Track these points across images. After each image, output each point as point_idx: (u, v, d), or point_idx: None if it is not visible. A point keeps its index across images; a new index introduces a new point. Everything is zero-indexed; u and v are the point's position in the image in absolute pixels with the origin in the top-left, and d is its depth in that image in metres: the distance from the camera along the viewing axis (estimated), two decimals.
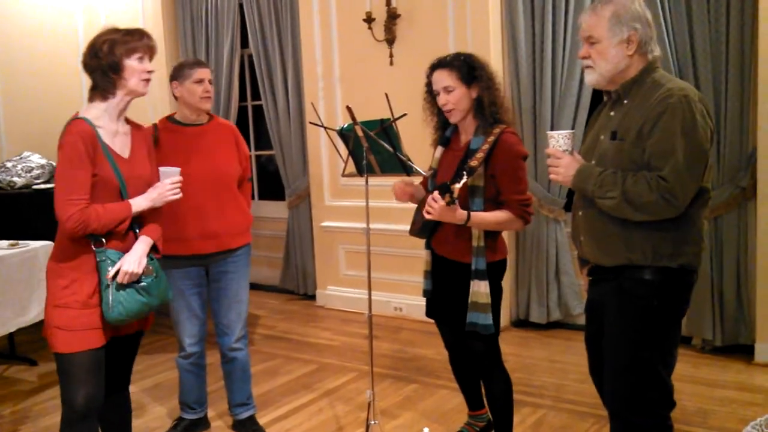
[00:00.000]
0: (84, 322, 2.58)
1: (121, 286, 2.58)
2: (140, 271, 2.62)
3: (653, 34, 2.44)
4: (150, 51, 2.68)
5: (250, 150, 7.03)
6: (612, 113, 2.48)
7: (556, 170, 2.48)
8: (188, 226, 3.39)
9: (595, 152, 2.50)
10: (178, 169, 2.77)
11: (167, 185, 2.71)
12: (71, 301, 2.58)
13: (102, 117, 2.62)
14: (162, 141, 3.42)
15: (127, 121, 2.75)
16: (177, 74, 3.43)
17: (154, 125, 3.52)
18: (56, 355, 2.62)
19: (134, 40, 2.63)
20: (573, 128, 4.84)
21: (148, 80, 2.67)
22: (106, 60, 2.57)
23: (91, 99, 2.65)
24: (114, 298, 2.57)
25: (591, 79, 2.49)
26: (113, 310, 2.56)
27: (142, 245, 2.67)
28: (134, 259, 2.61)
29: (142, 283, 2.64)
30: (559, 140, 2.48)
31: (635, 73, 2.42)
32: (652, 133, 2.30)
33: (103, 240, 2.58)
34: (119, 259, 2.60)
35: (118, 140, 2.66)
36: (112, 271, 2.57)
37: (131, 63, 2.61)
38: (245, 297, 3.60)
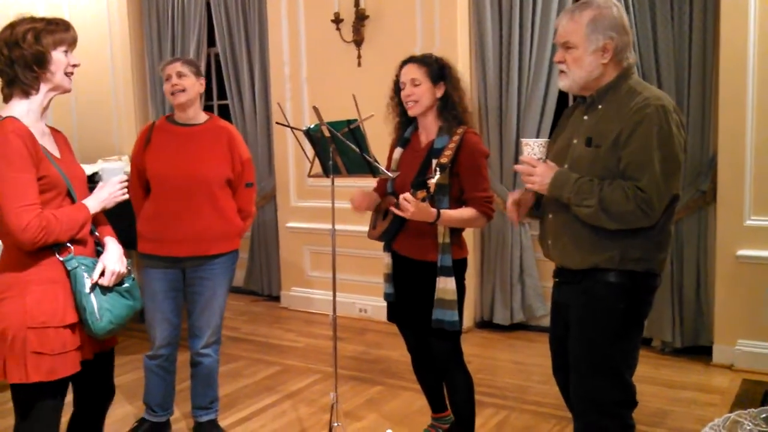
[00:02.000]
0: (65, 343, 2.29)
1: (105, 291, 2.36)
2: (125, 270, 2.44)
3: (629, 41, 2.43)
4: (74, 44, 2.42)
5: None
6: (585, 117, 2.49)
7: (531, 179, 2.46)
8: (163, 228, 3.34)
9: (568, 156, 2.49)
10: (121, 167, 2.60)
11: (116, 184, 2.50)
12: (48, 319, 2.26)
13: (27, 116, 2.32)
14: (154, 140, 3.39)
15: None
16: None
17: (153, 123, 3.49)
18: (28, 387, 2.28)
19: (60, 30, 2.37)
20: (539, 130, 4.89)
21: (72, 74, 2.42)
22: (31, 50, 2.29)
23: (8, 98, 2.35)
24: (100, 305, 2.33)
25: (564, 84, 2.49)
26: (102, 318, 2.32)
27: (116, 245, 2.49)
28: (117, 258, 2.42)
29: (125, 285, 2.45)
30: (534, 148, 2.47)
31: (610, 80, 2.42)
32: (629, 142, 2.31)
33: (71, 246, 2.33)
34: (94, 264, 2.37)
35: (47, 141, 2.40)
36: (96, 274, 2.34)
37: (58, 55, 2.35)
38: (218, 305, 3.50)
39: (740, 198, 4.26)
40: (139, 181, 3.45)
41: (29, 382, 2.26)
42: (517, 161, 4.94)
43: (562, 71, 2.48)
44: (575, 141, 2.48)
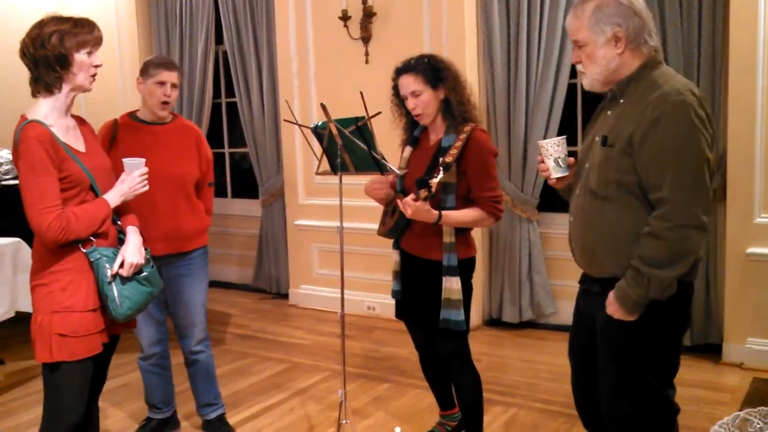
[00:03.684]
0: (88, 326, 2.46)
1: (124, 280, 2.51)
2: (143, 261, 2.57)
3: (643, 23, 2.23)
4: (99, 44, 2.53)
5: (223, 147, 7.02)
6: (609, 113, 2.33)
7: (618, 315, 2.25)
8: (142, 227, 3.31)
9: (590, 157, 2.34)
10: (143, 160, 2.67)
11: (137, 178, 2.62)
12: (73, 304, 2.44)
13: (51, 114, 2.47)
14: (120, 138, 3.35)
15: (71, 115, 2.62)
16: (143, 70, 3.37)
17: (114, 121, 3.43)
18: (53, 366, 2.46)
19: (85, 32, 2.48)
20: (547, 129, 4.87)
21: (95, 75, 2.54)
22: (54, 52, 2.41)
23: (34, 92, 2.50)
24: (120, 294, 2.49)
25: (585, 83, 2.34)
26: (122, 305, 2.49)
27: (136, 235, 2.62)
28: (135, 250, 2.56)
29: (144, 273, 2.58)
30: (548, 149, 2.40)
31: (631, 71, 2.25)
32: (644, 145, 2.13)
33: (93, 239, 2.48)
34: (114, 254, 2.52)
35: (71, 135, 2.53)
36: (116, 266, 2.49)
37: (81, 57, 2.46)
38: (202, 300, 3.52)
39: (750, 196, 4.23)
40: None
41: (53, 361, 2.44)
42: (525, 160, 4.96)
43: (581, 71, 2.34)
44: (597, 139, 2.32)
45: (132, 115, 3.46)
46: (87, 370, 2.52)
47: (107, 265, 2.48)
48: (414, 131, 3.19)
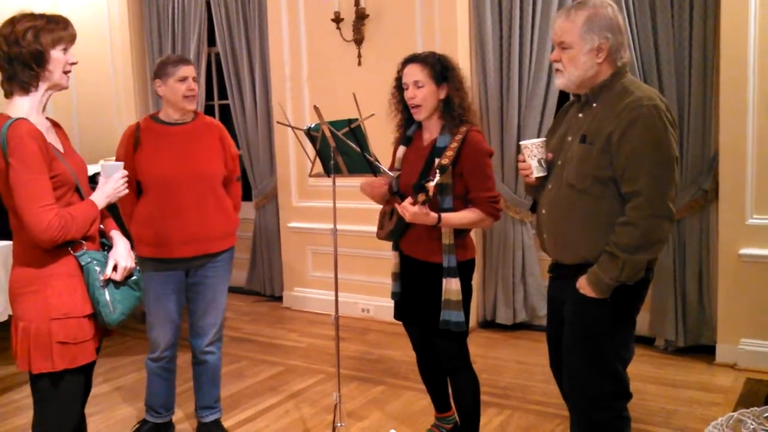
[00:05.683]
0: (86, 332, 2.40)
1: (117, 285, 2.46)
2: (134, 264, 2.52)
3: (624, 41, 2.46)
4: (73, 41, 2.44)
5: None
6: (580, 115, 2.51)
7: (590, 295, 2.44)
8: (170, 230, 3.32)
9: (562, 154, 2.53)
10: (121, 164, 2.62)
11: (119, 180, 2.55)
12: (71, 310, 2.36)
13: (30, 114, 2.37)
14: (144, 141, 3.35)
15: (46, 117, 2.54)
16: (160, 72, 3.35)
17: (137, 124, 3.44)
18: (53, 375, 2.38)
19: (59, 28, 2.39)
20: (540, 129, 4.88)
21: (69, 72, 2.44)
22: (30, 48, 2.32)
23: (8, 94, 2.39)
24: (112, 298, 2.42)
25: (560, 82, 2.53)
26: (115, 311, 2.42)
27: (123, 239, 2.57)
28: (126, 253, 2.51)
29: (134, 277, 2.53)
30: (533, 150, 2.54)
31: (604, 78, 2.45)
32: (622, 143, 2.33)
33: (83, 242, 2.41)
34: (104, 258, 2.47)
35: (51, 135, 2.45)
36: (109, 270, 2.43)
37: (56, 54, 2.37)
38: (222, 302, 3.55)
39: (742, 196, 4.25)
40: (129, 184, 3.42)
41: (56, 370, 2.35)
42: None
43: (557, 70, 2.51)
44: (569, 138, 2.52)
45: (154, 118, 3.45)
46: (82, 377, 2.48)
47: (98, 269, 2.41)
48: (407, 130, 3.19)
